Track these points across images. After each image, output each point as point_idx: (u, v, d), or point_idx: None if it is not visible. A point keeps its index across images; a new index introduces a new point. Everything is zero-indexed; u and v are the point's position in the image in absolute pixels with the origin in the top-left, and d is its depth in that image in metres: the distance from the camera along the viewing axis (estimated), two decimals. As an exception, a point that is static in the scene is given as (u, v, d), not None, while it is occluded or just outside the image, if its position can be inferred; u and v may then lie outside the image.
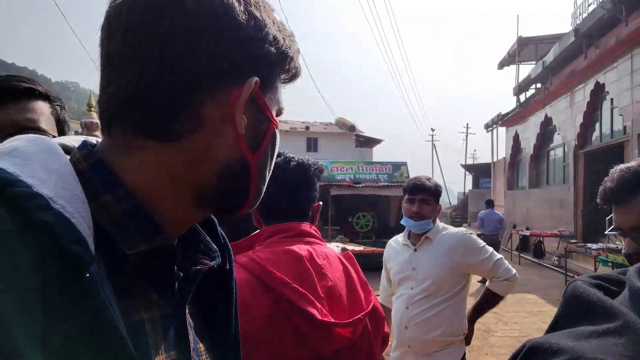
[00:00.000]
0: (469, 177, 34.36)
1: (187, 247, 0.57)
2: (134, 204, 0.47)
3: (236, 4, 0.49)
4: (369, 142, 23.65)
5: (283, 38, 0.54)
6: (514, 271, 2.41)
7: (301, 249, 1.18)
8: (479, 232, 9.80)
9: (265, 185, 0.58)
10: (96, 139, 0.55)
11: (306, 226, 1.26)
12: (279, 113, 0.59)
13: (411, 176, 3.03)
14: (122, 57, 0.47)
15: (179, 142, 0.48)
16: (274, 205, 1.29)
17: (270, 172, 0.59)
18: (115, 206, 0.46)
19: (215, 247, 0.60)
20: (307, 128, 22.21)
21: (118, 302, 0.41)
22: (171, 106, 0.47)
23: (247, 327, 1.01)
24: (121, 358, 0.39)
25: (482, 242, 2.40)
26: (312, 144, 21.77)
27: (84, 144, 0.50)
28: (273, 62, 0.53)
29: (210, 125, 0.49)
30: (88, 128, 5.87)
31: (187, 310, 0.55)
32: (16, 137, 0.45)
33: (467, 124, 40.60)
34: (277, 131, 0.57)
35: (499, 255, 2.40)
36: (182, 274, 0.53)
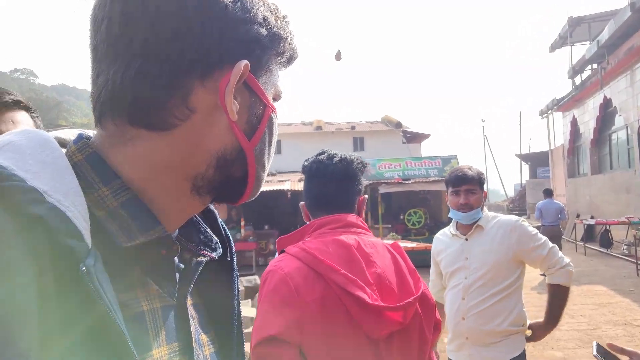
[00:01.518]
0: (525, 167, 33.03)
1: (187, 239, 0.56)
2: (130, 196, 0.46)
3: None
4: (416, 138, 23.28)
5: (275, 19, 0.53)
6: (568, 259, 2.33)
7: (349, 238, 1.23)
8: (538, 224, 9.42)
9: (266, 172, 0.57)
10: (92, 132, 0.54)
11: (353, 217, 1.31)
12: (276, 97, 0.57)
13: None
14: (109, 47, 0.47)
15: (170, 131, 0.47)
16: (321, 199, 1.36)
17: (271, 159, 0.57)
18: (111, 199, 0.46)
19: (216, 238, 0.59)
20: (353, 128, 22.16)
21: (117, 294, 0.41)
22: (160, 95, 0.46)
23: (302, 312, 1.08)
24: (119, 350, 0.38)
25: (535, 229, 2.34)
26: (358, 143, 21.72)
27: (80, 136, 0.50)
28: (265, 44, 0.52)
29: (201, 112, 0.48)
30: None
31: (188, 302, 0.55)
32: (11, 131, 0.45)
33: (520, 113, 39.03)
34: (274, 116, 0.55)
35: (552, 244, 2.33)
36: (182, 265, 0.53)
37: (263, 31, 0.51)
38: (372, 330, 1.12)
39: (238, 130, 0.50)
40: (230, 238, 0.64)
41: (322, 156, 1.40)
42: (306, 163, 1.42)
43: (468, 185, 2.34)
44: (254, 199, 0.58)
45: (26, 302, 0.34)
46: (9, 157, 0.40)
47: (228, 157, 0.50)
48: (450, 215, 2.46)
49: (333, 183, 1.35)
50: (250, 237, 12.34)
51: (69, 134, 0.52)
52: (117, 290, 0.41)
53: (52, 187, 0.39)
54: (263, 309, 1.12)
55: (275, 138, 0.57)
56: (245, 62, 0.48)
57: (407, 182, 12.68)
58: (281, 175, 16.64)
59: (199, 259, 0.55)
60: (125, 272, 0.46)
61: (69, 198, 0.40)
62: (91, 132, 0.54)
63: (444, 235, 2.54)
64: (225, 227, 0.64)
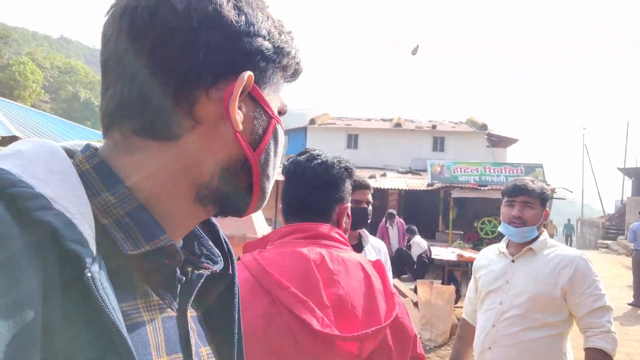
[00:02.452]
0: (628, 183, 29.78)
1: (189, 251, 0.57)
2: (136, 205, 0.47)
3: (225, 1, 0.49)
4: (502, 142, 21.86)
5: (279, 33, 0.54)
6: (614, 329, 1.94)
7: (312, 251, 1.10)
8: (633, 248, 8.40)
9: (272, 184, 0.57)
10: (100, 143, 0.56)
11: (325, 228, 1.17)
12: (282, 111, 0.58)
13: (548, 181, 2.65)
14: (118, 61, 0.48)
15: (176, 142, 0.49)
16: (292, 204, 1.24)
17: (276, 170, 0.57)
18: (117, 207, 0.46)
19: (217, 252, 0.60)
20: (434, 127, 21.30)
21: (120, 303, 0.42)
22: (165, 106, 0.48)
23: (244, 327, 0.97)
24: (121, 359, 0.39)
25: (596, 275, 1.97)
26: (438, 144, 20.85)
27: (87, 146, 0.51)
28: (269, 57, 0.53)
29: (206, 123, 0.49)
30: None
31: (189, 314, 0.55)
32: (20, 140, 0.47)
33: (628, 122, 35.20)
34: (279, 127, 0.57)
35: (608, 303, 1.94)
36: (184, 277, 0.54)
37: (267, 44, 0.52)
38: (319, 359, 0.99)
39: (243, 140, 0.51)
40: (232, 251, 0.63)
41: (303, 156, 1.27)
42: (286, 163, 1.30)
43: (526, 197, 2.05)
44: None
45: (31, 306, 0.35)
46: (17, 165, 0.41)
47: (233, 168, 0.51)
48: (500, 229, 2.19)
49: (307, 188, 1.22)
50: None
51: (76, 145, 0.53)
52: (119, 298, 0.42)
53: (59, 194, 0.40)
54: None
55: (280, 149, 0.58)
56: (249, 73, 0.49)
57: (483, 188, 11.97)
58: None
59: (200, 271, 0.56)
60: (127, 281, 0.47)
61: (76, 205, 0.41)
62: (97, 143, 0.56)
63: (491, 251, 2.26)
64: (227, 241, 0.64)
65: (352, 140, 20.67)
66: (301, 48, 0.60)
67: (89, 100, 44.32)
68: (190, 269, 0.56)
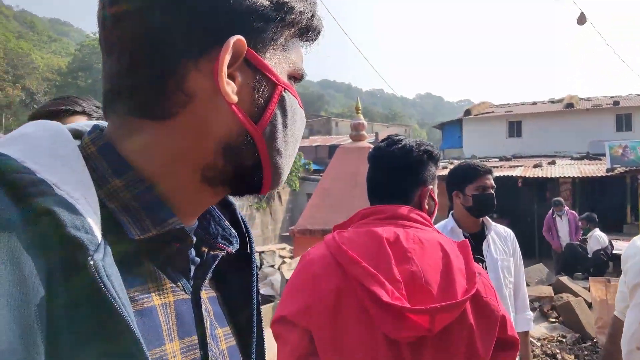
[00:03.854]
0: None
1: (205, 231, 0.55)
2: (143, 188, 0.46)
3: None
4: None
5: None
6: None
7: (387, 230, 1.17)
8: None
9: (288, 158, 0.53)
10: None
11: (404, 209, 1.23)
12: (296, 75, 0.53)
13: None
14: (107, 40, 0.47)
15: (172, 120, 0.46)
16: (374, 188, 1.32)
17: (291, 143, 0.53)
18: (124, 190, 0.45)
19: (234, 231, 0.58)
20: (616, 103, 18.17)
21: (128, 289, 0.41)
22: (154, 82, 0.45)
23: (315, 299, 1.10)
24: (129, 346, 0.37)
25: None
26: (623, 122, 17.69)
27: (94, 127, 0.50)
28: (266, 15, 0.48)
29: (201, 97, 0.46)
30: (356, 128, 6.71)
31: (204, 295, 0.54)
32: (27, 124, 0.46)
33: None
34: (287, 94, 0.51)
35: None
36: (199, 259, 0.53)
37: (262, 1, 0.47)
38: (390, 331, 1.05)
39: (240, 113, 0.47)
40: (250, 231, 0.62)
41: (385, 142, 1.34)
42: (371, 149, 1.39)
43: None
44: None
45: (35, 295, 0.34)
46: (21, 149, 0.40)
47: (235, 144, 0.48)
48: None
49: (386, 171, 1.29)
50: (475, 225, 11.79)
51: (85, 126, 0.52)
52: (128, 284, 0.41)
53: (62, 179, 0.39)
54: (285, 290, 1.19)
55: (296, 119, 0.53)
56: (237, 37, 0.45)
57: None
58: (517, 160, 15.20)
59: (216, 252, 0.55)
60: (137, 265, 0.46)
61: (80, 190, 0.40)
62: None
63: None
64: (245, 220, 0.63)
65: (515, 128, 18.96)
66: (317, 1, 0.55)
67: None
68: (205, 249, 0.54)
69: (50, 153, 0.42)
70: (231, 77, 0.46)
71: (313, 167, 19.58)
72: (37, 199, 0.36)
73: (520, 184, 11.38)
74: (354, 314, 1.09)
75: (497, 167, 13.06)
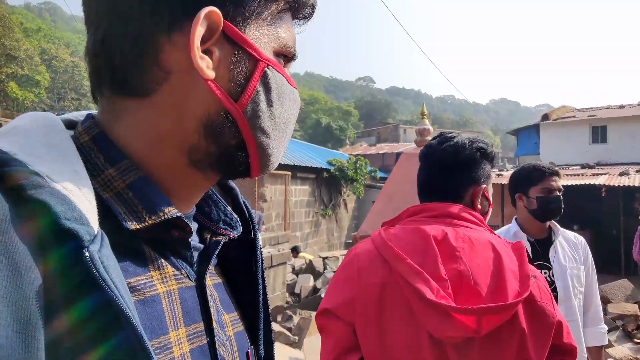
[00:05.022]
0: None
1: (207, 217, 0.55)
2: (137, 176, 0.45)
3: None
4: None
5: None
6: None
7: (435, 229, 1.15)
8: None
9: (277, 140, 0.51)
10: None
11: (455, 208, 1.21)
12: (285, 52, 0.51)
13: None
14: (87, 15, 0.47)
15: (152, 97, 0.45)
16: (424, 186, 1.31)
17: (279, 123, 0.50)
18: (117, 180, 0.44)
19: (236, 217, 0.57)
20: None
21: (130, 278, 0.42)
22: (129, 56, 0.44)
23: (359, 293, 1.11)
24: (128, 337, 0.37)
25: None
26: None
27: (88, 116, 0.49)
28: None
29: (177, 73, 0.44)
30: (421, 134, 6.60)
31: (209, 282, 0.53)
32: (20, 116, 0.45)
33: None
34: (270, 70, 0.48)
35: None
36: (202, 245, 0.53)
37: None
38: (434, 330, 1.04)
39: (218, 89, 0.45)
40: (253, 216, 0.62)
41: (437, 139, 1.32)
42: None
43: None
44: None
45: (32, 289, 0.33)
46: (13, 141, 0.39)
47: (214, 123, 0.46)
48: None
49: (437, 169, 1.27)
50: (553, 237, 11.07)
51: (79, 116, 0.51)
52: (129, 273, 0.42)
53: (55, 170, 0.38)
54: (330, 283, 1.20)
55: (284, 98, 0.50)
56: (209, 9, 0.43)
57: None
58: (601, 167, 14.07)
59: (218, 237, 0.54)
60: (138, 254, 0.45)
61: (74, 181, 0.39)
62: None
63: None
64: (248, 205, 0.62)
65: (599, 133, 17.60)
66: None
67: (329, 125, 50.02)
68: (208, 235, 0.54)
69: (43, 144, 0.41)
70: (208, 52, 0.45)
71: (380, 174, 19.46)
72: (30, 192, 0.35)
73: (603, 194, 10.52)
74: (398, 311, 1.08)
75: (578, 175, 12.17)
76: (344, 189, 17.04)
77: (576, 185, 10.41)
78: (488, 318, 1.01)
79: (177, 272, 0.48)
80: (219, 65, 0.45)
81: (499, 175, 12.04)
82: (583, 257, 2.10)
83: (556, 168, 2.14)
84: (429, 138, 6.64)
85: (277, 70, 0.49)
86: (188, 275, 0.50)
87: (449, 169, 1.24)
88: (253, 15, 0.47)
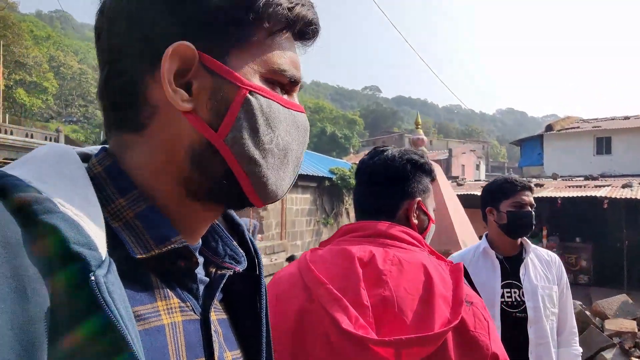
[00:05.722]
0: None
1: (213, 252, 0.56)
2: (146, 206, 0.46)
3: None
4: None
5: None
6: None
7: (362, 249, 1.06)
8: None
9: (273, 167, 0.50)
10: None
11: (386, 225, 1.11)
12: (274, 76, 0.49)
13: None
14: (97, 54, 0.51)
15: (145, 132, 0.47)
16: (357, 203, 1.22)
17: (283, 149, 0.50)
18: (127, 209, 0.46)
19: (241, 251, 0.58)
20: None
21: (137, 306, 0.42)
22: (125, 95, 0.47)
23: (278, 320, 1.01)
24: None
25: None
26: None
27: (102, 149, 0.51)
28: (224, 15, 0.46)
29: (162, 108, 0.46)
30: (415, 144, 6.49)
31: (213, 317, 0.52)
32: (39, 147, 0.48)
33: None
34: (253, 97, 0.47)
35: None
36: (208, 279, 0.53)
37: (217, 2, 0.46)
38: (352, 363, 0.94)
39: (196, 120, 0.46)
40: (259, 252, 0.62)
41: (368, 154, 1.23)
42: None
43: None
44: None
45: (39, 312, 0.34)
46: (28, 170, 0.42)
47: (200, 154, 0.47)
48: None
49: (367, 185, 1.18)
50: (554, 249, 10.90)
51: (94, 149, 0.53)
52: (136, 302, 0.42)
53: (67, 198, 0.40)
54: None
55: (274, 122, 0.49)
56: (176, 44, 0.45)
57: None
58: (605, 179, 13.86)
59: (223, 271, 0.54)
60: (146, 284, 0.45)
61: (84, 209, 0.40)
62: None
63: None
64: (253, 240, 0.63)
65: (603, 145, 17.41)
66: None
67: (334, 133, 50.08)
68: (213, 269, 0.54)
69: (57, 173, 0.43)
70: (188, 84, 0.46)
71: (382, 183, 19.27)
72: (41, 216, 0.36)
73: (606, 206, 10.33)
74: (318, 340, 0.98)
75: (580, 186, 11.98)
76: (346, 198, 16.96)
77: (578, 197, 10.24)
78: (409, 351, 0.91)
79: (182, 304, 0.49)
80: (199, 96, 0.46)
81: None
82: (557, 276, 1.99)
83: (529, 182, 2.04)
84: (424, 148, 6.59)
85: (264, 96, 0.48)
86: (193, 308, 0.50)
87: (379, 184, 1.16)
88: (232, 43, 0.47)
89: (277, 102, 0.49)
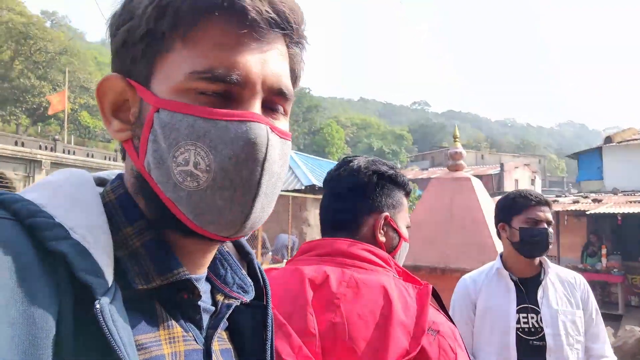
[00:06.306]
0: None
1: (221, 280, 0.56)
2: (152, 236, 0.46)
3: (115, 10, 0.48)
4: None
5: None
6: None
7: (316, 270, 0.97)
8: None
9: (211, 189, 0.43)
10: None
11: (343, 244, 1.01)
12: (195, 83, 0.43)
13: None
14: None
15: (127, 161, 0.49)
16: (321, 217, 1.12)
17: (208, 167, 0.43)
18: (134, 238, 0.46)
19: (250, 281, 0.57)
20: None
21: (138, 335, 0.42)
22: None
23: None
24: None
25: None
26: None
27: (117, 177, 0.52)
28: (133, 35, 0.45)
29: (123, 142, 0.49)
30: (453, 157, 6.25)
31: (216, 347, 0.52)
32: (56, 171, 0.49)
33: None
34: (161, 113, 0.43)
35: None
36: (213, 307, 0.53)
37: (129, 27, 0.46)
38: (295, 396, 0.85)
39: (129, 148, 0.47)
40: (267, 282, 0.61)
41: (337, 164, 1.14)
42: None
43: None
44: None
45: (42, 338, 0.35)
46: (43, 195, 0.42)
47: (137, 183, 0.47)
48: None
49: (331, 198, 1.09)
50: (615, 270, 10.09)
51: (111, 174, 0.54)
52: (138, 330, 0.43)
53: (78, 223, 0.41)
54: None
55: (184, 139, 0.43)
56: (104, 77, 0.47)
57: None
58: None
59: (230, 301, 0.54)
60: (149, 312, 0.46)
61: (94, 235, 0.41)
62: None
63: None
64: (262, 271, 0.62)
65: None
66: None
67: (381, 149, 49.70)
68: (220, 298, 0.54)
69: (71, 198, 0.43)
70: (131, 115, 0.47)
71: (428, 199, 18.79)
72: (52, 242, 0.38)
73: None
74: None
75: (636, 202, 11.07)
76: (390, 215, 16.63)
77: (633, 213, 9.47)
78: (353, 385, 0.81)
79: (185, 334, 0.48)
80: (135, 123, 0.47)
81: (555, 201, 11.23)
82: (582, 300, 1.78)
83: (547, 198, 1.85)
84: (461, 162, 6.31)
85: (172, 110, 0.43)
86: (195, 338, 0.50)
87: (342, 197, 1.06)
88: (151, 60, 0.45)
89: (193, 115, 0.43)
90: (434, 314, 0.93)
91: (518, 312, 1.76)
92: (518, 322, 1.75)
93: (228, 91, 0.44)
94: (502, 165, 30.70)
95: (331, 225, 1.07)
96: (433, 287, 0.97)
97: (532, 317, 1.74)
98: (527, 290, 1.78)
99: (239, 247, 0.62)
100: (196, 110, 0.43)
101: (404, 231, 1.10)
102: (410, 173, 29.96)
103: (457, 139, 6.33)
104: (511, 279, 1.81)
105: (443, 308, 0.99)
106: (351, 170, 1.06)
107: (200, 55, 0.43)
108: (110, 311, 0.37)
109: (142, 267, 0.45)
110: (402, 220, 1.10)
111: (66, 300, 0.37)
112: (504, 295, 1.79)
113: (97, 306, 0.37)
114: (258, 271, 0.61)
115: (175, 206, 0.45)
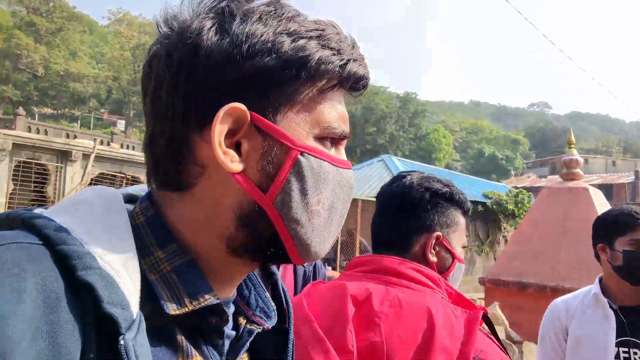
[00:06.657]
0: None
1: (245, 302, 0.56)
2: (184, 260, 0.46)
3: (206, 27, 0.46)
4: None
5: (293, 39, 0.46)
6: None
7: (360, 287, 0.97)
8: None
9: (318, 230, 0.49)
10: None
11: (392, 261, 1.00)
12: (327, 135, 0.49)
13: None
14: (144, 112, 0.51)
15: (191, 191, 0.48)
16: (372, 234, 1.11)
17: (330, 210, 0.50)
18: (164, 263, 0.46)
19: (272, 305, 0.57)
20: None
21: None
22: (168, 154, 0.47)
23: None
24: None
25: None
26: None
27: (147, 195, 0.51)
28: (273, 75, 0.46)
29: (211, 168, 0.47)
30: (567, 165, 5.68)
31: None
32: (86, 189, 0.49)
33: None
34: (306, 157, 0.47)
35: None
36: (234, 332, 0.53)
37: (269, 61, 0.45)
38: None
39: (245, 182, 0.46)
40: (290, 305, 0.60)
41: (391, 179, 1.12)
42: None
43: None
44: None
45: None
46: (74, 219, 0.43)
47: (246, 215, 0.47)
48: None
49: (382, 214, 1.07)
50: None
51: (141, 191, 0.54)
52: (160, 359, 0.43)
53: (107, 250, 0.41)
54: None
55: (323, 182, 0.48)
56: (229, 106, 0.45)
57: None
58: None
59: (252, 326, 0.54)
60: (170, 340, 0.46)
61: (122, 262, 0.41)
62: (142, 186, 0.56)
63: None
64: (286, 292, 0.61)
65: None
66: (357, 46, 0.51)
67: (493, 154, 46.87)
68: (243, 321, 0.54)
69: (101, 222, 0.44)
70: (237, 144, 0.46)
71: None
72: (80, 272, 0.38)
73: None
74: (299, 383, 0.92)
75: None
76: (504, 225, 15.58)
77: None
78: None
79: None
80: (249, 157, 0.46)
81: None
82: None
83: None
84: (578, 170, 5.72)
85: (315, 156, 0.48)
86: None
87: (393, 214, 1.03)
88: (284, 103, 0.47)
89: (327, 161, 0.49)
90: (482, 341, 0.87)
91: (618, 345, 1.55)
92: (617, 356, 1.54)
93: (336, 140, 0.51)
94: (637, 172, 27.05)
95: (381, 242, 1.06)
96: (484, 313, 0.91)
97: (635, 353, 1.52)
98: (630, 321, 1.56)
99: (263, 267, 0.61)
100: (331, 159, 0.49)
101: (459, 251, 1.04)
102: (526, 181, 27.77)
103: (572, 145, 5.78)
104: (610, 307, 1.60)
105: (495, 335, 0.92)
106: (403, 187, 1.03)
107: (331, 109, 0.50)
108: (134, 346, 0.37)
109: (174, 292, 0.45)
110: (457, 240, 1.04)
111: (90, 332, 0.37)
112: (600, 324, 1.58)
113: (122, 342, 0.37)
114: (282, 292, 0.60)
115: (292, 241, 0.48)
